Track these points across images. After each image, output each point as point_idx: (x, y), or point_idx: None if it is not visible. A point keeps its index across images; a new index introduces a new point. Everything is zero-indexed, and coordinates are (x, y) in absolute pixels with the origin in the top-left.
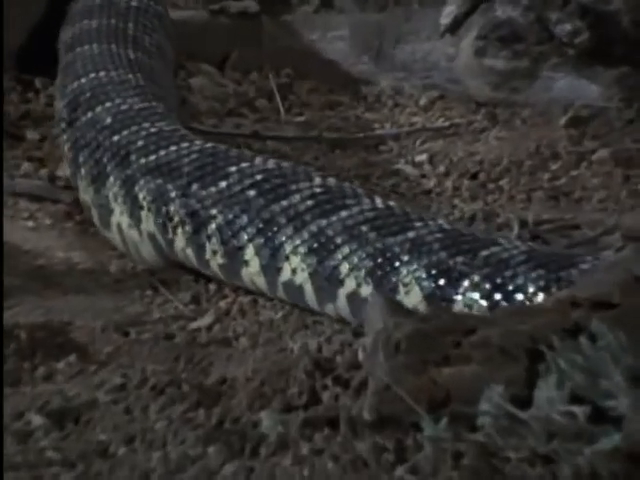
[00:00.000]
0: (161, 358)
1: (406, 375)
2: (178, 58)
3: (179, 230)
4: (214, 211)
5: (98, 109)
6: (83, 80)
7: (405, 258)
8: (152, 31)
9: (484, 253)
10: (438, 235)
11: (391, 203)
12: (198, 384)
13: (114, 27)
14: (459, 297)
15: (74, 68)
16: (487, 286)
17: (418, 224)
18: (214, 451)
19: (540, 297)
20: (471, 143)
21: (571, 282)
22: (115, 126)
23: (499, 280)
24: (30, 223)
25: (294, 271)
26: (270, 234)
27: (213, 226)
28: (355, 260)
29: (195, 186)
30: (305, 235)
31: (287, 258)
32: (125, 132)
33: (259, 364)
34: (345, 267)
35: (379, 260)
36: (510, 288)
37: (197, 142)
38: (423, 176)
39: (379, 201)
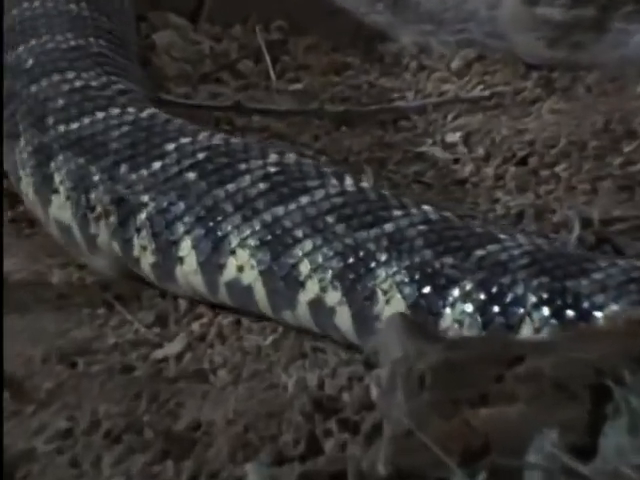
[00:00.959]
0: (117, 396)
1: (432, 417)
2: (138, 7)
3: (102, 222)
4: (145, 198)
5: (21, 48)
6: (14, 11)
7: (382, 258)
8: None
9: (479, 253)
10: (422, 227)
11: (364, 185)
12: (165, 430)
13: None
14: (447, 310)
15: None
16: (481, 296)
17: (398, 213)
18: None
19: (542, 312)
20: (519, 118)
21: (578, 294)
22: (35, 72)
23: (494, 289)
24: None
25: (241, 268)
26: (212, 224)
27: (143, 216)
28: (319, 259)
29: (124, 168)
30: (256, 225)
31: (233, 253)
32: (44, 82)
33: (243, 404)
34: (306, 267)
35: (350, 259)
36: (506, 300)
37: (130, 109)
38: (456, 161)
39: (350, 182)
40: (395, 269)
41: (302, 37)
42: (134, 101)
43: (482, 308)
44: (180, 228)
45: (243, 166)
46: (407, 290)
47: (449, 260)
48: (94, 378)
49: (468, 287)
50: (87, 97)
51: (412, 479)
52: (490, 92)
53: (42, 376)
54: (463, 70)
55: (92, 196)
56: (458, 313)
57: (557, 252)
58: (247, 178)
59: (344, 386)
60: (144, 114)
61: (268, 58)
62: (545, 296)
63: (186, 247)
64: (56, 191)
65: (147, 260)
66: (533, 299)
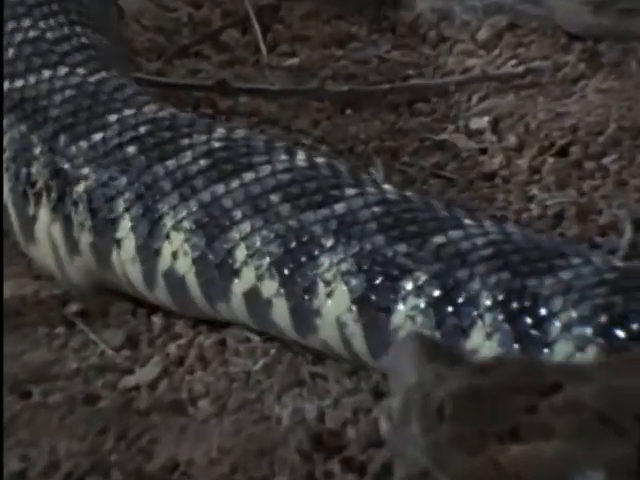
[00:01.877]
0: (79, 432)
1: (454, 455)
2: None
3: (43, 199)
4: (85, 171)
5: None
6: None
7: (328, 243)
8: None
9: (437, 240)
10: (377, 209)
11: (320, 160)
12: (136, 471)
13: None
14: (399, 305)
15: None
16: (435, 291)
17: (351, 192)
18: None
19: (495, 315)
20: (559, 99)
21: (537, 295)
22: None
23: (450, 283)
24: None
25: (175, 255)
26: (150, 203)
27: (81, 189)
28: (257, 243)
29: (63, 138)
30: (193, 206)
31: (167, 236)
32: None
33: (229, 440)
34: (242, 252)
35: (291, 244)
36: (459, 298)
37: (80, 70)
38: (483, 151)
39: (302, 157)
40: (341, 257)
41: (298, 2)
42: (91, 61)
43: (436, 305)
44: (120, 205)
45: (186, 141)
46: (353, 281)
47: (403, 248)
48: (52, 410)
49: (421, 280)
50: (38, 51)
51: None
52: (524, 68)
53: None
54: (492, 42)
55: (33, 170)
56: (410, 308)
57: (528, 243)
58: (188, 154)
59: (348, 419)
60: (92, 78)
61: (257, 27)
62: (500, 297)
63: (124, 228)
64: None
65: (86, 240)
66: (487, 299)
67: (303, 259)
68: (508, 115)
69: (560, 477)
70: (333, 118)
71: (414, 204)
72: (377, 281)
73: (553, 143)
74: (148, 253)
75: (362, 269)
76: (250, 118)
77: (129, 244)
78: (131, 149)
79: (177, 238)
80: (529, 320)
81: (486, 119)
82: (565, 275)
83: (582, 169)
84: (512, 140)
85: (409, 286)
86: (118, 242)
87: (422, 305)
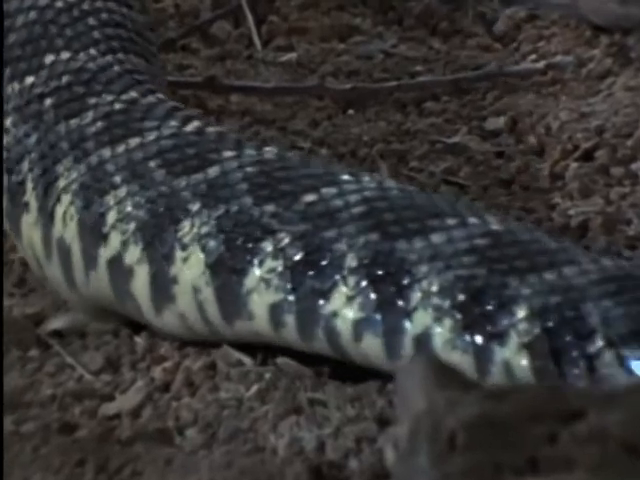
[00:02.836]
0: (55, 463)
1: None
2: None
3: None
4: (6, 123)
5: None
6: None
7: (194, 207)
8: None
9: (308, 199)
10: (251, 169)
11: (211, 129)
12: None
13: None
14: (255, 270)
15: None
16: (295, 252)
17: (228, 154)
18: None
19: (358, 278)
20: (583, 97)
21: (403, 260)
22: None
23: (314, 244)
24: None
25: (64, 219)
26: (50, 164)
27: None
28: (128, 208)
29: None
30: (82, 169)
31: (59, 199)
32: None
33: (219, 473)
34: (112, 217)
35: (159, 209)
36: (322, 259)
37: (33, 14)
38: (499, 155)
39: (195, 125)
40: (204, 220)
41: None
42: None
43: (294, 267)
44: (25, 166)
45: (93, 100)
46: (210, 244)
47: (270, 208)
48: (26, 440)
49: (284, 241)
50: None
51: None
52: (545, 63)
53: None
54: (509, 34)
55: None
56: (265, 271)
57: (404, 200)
58: (90, 114)
59: (350, 449)
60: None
61: (251, 18)
62: (366, 260)
63: (29, 189)
64: None
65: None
66: (352, 262)
67: (166, 224)
68: (527, 115)
69: None
70: (334, 118)
71: (290, 162)
72: (234, 243)
73: (577, 146)
74: (45, 216)
75: (222, 232)
76: (243, 118)
77: (33, 206)
78: (47, 102)
79: (65, 200)
80: (392, 287)
81: (503, 119)
82: (436, 238)
83: (609, 175)
84: (531, 143)
85: (268, 248)
86: (26, 205)
87: (279, 267)
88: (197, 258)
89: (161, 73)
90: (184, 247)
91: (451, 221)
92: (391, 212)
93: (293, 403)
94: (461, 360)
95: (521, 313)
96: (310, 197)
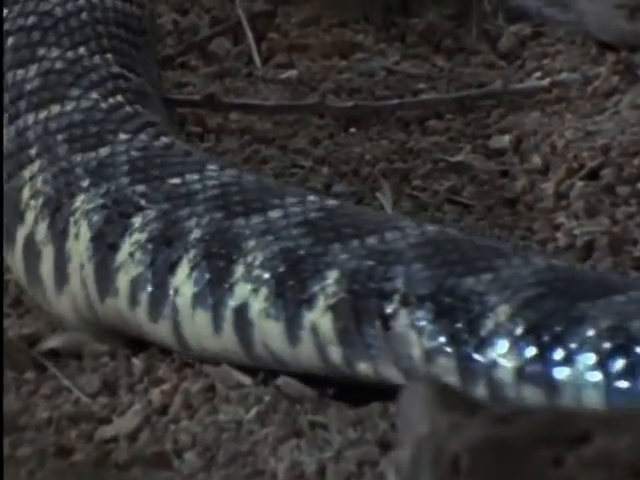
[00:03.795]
0: None
1: None
2: None
3: None
4: None
5: None
6: None
7: (84, 184)
8: None
9: (175, 180)
10: (134, 154)
11: (130, 109)
12: None
13: None
14: (125, 243)
15: None
16: (155, 228)
17: (123, 137)
18: None
19: (198, 253)
20: (589, 116)
21: (238, 235)
22: None
23: (169, 221)
24: None
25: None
26: None
27: None
28: (38, 183)
29: None
30: (9, 133)
31: None
32: None
33: None
34: (27, 193)
35: (60, 185)
36: (173, 235)
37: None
38: (504, 173)
39: (116, 100)
40: (90, 197)
41: (296, 7)
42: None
43: (154, 241)
44: None
45: (42, 52)
46: (95, 218)
47: (141, 188)
48: (21, 464)
49: (148, 217)
50: None
51: None
52: (550, 81)
53: None
54: (514, 51)
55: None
56: (132, 245)
57: (256, 184)
58: (20, 72)
59: (352, 473)
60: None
61: (251, 36)
62: (207, 236)
63: None
64: None
65: None
66: (195, 237)
67: (65, 200)
68: (532, 134)
69: None
70: (335, 137)
71: (171, 151)
72: (110, 219)
73: (582, 165)
74: None
75: (103, 208)
76: (242, 137)
77: None
78: None
79: None
80: (220, 261)
81: (507, 138)
82: (273, 214)
83: (615, 194)
84: (536, 162)
85: (136, 223)
86: None
87: (142, 241)
88: (84, 233)
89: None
90: (75, 222)
91: (292, 199)
92: (239, 194)
93: (293, 426)
94: (274, 328)
95: (332, 277)
96: (176, 180)
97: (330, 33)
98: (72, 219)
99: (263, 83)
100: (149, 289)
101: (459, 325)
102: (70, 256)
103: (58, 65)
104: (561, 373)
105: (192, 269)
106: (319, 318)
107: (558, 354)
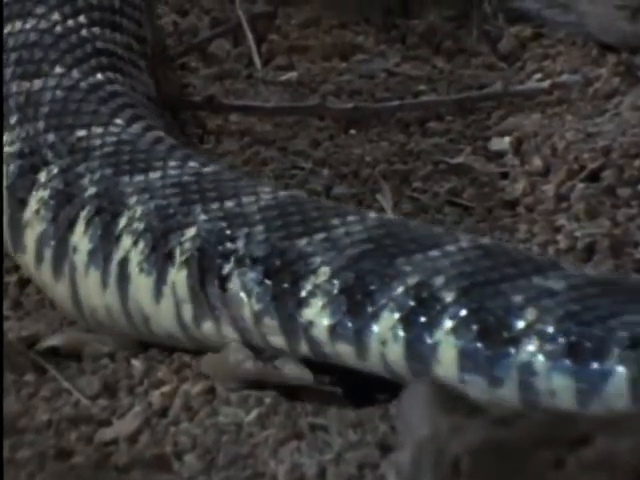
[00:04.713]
0: None
1: None
2: None
3: None
4: None
5: None
6: None
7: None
8: None
9: (80, 133)
10: (60, 94)
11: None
12: None
13: None
14: (32, 202)
15: None
16: (59, 183)
17: (57, 72)
18: None
19: (92, 206)
20: (590, 117)
21: (122, 193)
22: None
23: (70, 176)
24: None
25: None
26: None
27: None
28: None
29: None
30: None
31: None
32: None
33: None
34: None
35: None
36: (73, 190)
37: None
38: (504, 175)
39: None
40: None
41: (296, 9)
42: None
43: (55, 196)
44: None
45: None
46: (10, 168)
47: (51, 137)
48: (21, 467)
49: (52, 172)
50: None
51: None
52: (550, 83)
53: None
54: (514, 53)
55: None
56: (37, 201)
57: (149, 146)
58: None
59: (352, 475)
60: None
61: (251, 37)
62: (99, 193)
63: None
64: None
65: None
66: (90, 193)
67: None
68: (532, 135)
69: None
70: (336, 138)
71: (91, 96)
72: (19, 173)
73: (583, 167)
74: None
75: (22, 153)
76: (242, 138)
77: None
78: None
79: None
80: (108, 216)
81: (507, 140)
82: (153, 175)
83: (616, 196)
84: (537, 163)
85: (42, 179)
86: None
87: (46, 196)
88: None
89: None
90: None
91: (173, 162)
92: (129, 154)
93: (294, 428)
94: (145, 283)
95: (188, 234)
96: (81, 132)
97: (330, 35)
98: None
99: (263, 85)
100: (53, 246)
101: (284, 286)
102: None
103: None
104: (368, 330)
105: (87, 226)
106: (177, 274)
107: (366, 312)
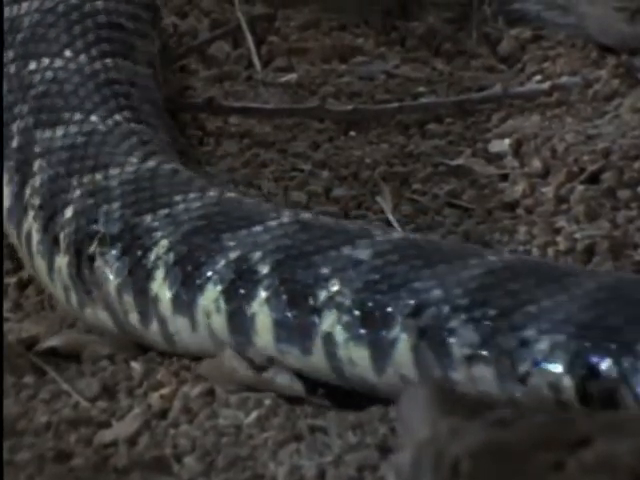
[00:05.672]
0: None
1: None
2: None
3: None
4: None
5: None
6: None
7: None
8: None
9: None
10: None
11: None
12: None
13: None
14: None
15: None
16: None
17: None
18: None
19: None
20: (589, 119)
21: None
22: None
23: None
24: None
25: None
26: None
27: None
28: None
29: None
30: None
31: None
32: None
33: None
34: None
35: None
36: None
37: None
38: (504, 177)
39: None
40: None
41: (296, 11)
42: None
43: None
44: None
45: None
46: None
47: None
48: (20, 469)
49: None
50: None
51: None
52: (550, 85)
53: None
54: (514, 55)
55: None
56: None
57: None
58: None
59: (352, 477)
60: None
61: (250, 39)
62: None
63: None
64: None
65: None
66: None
67: None
68: (532, 137)
69: None
70: (335, 140)
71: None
72: None
73: (583, 169)
74: None
75: None
76: (242, 140)
77: None
78: None
79: None
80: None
81: (507, 142)
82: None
83: (615, 198)
84: (536, 165)
85: None
86: None
87: None
88: None
89: None
90: None
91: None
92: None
93: (293, 430)
94: (42, 264)
95: (67, 214)
96: None
97: (330, 37)
98: None
99: (263, 87)
100: None
101: (136, 260)
102: None
103: None
104: (196, 302)
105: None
106: (62, 259)
107: (195, 285)
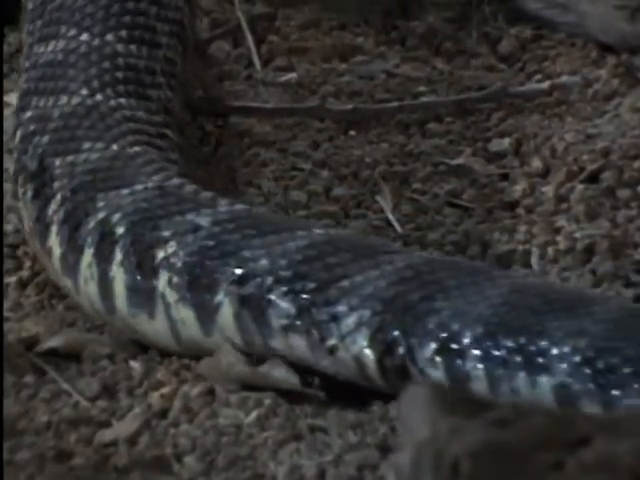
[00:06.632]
0: None
1: None
2: None
3: None
4: None
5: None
6: None
7: None
8: None
9: None
10: None
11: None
12: None
13: None
14: None
15: None
16: None
17: None
18: None
19: None
20: (589, 119)
21: None
22: None
23: None
24: None
25: None
26: None
27: None
28: None
29: None
30: None
31: None
32: None
33: None
34: None
35: None
36: None
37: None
38: (504, 177)
39: None
40: None
41: (296, 10)
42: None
43: None
44: None
45: None
46: None
47: None
48: (20, 468)
49: None
50: None
51: None
52: (550, 84)
53: None
54: (514, 54)
55: None
56: None
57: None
58: None
59: (352, 477)
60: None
61: (250, 38)
62: None
63: None
64: None
65: None
66: None
67: None
68: (532, 137)
69: None
70: (335, 140)
71: None
72: None
73: (583, 168)
74: None
75: None
76: (242, 140)
77: None
78: None
79: None
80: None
81: (507, 141)
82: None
83: (615, 197)
84: (536, 165)
85: None
86: None
87: None
88: None
89: None
90: None
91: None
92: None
93: (293, 430)
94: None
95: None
96: None
97: (330, 36)
98: None
99: (263, 86)
100: None
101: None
102: None
103: None
104: (78, 268)
105: None
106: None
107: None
